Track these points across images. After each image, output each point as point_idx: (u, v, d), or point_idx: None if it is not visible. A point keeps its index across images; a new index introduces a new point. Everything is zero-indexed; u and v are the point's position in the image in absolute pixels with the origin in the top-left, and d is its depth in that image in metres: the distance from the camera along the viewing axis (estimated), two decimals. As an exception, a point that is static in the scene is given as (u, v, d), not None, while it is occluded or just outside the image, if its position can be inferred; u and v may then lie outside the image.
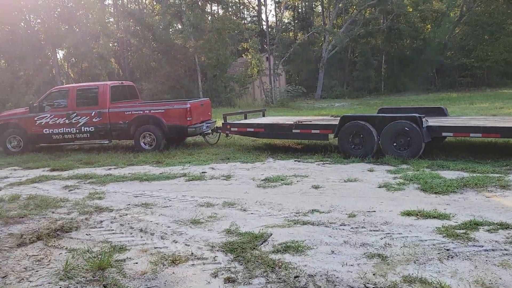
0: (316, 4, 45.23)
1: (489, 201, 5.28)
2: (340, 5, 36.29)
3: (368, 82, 35.64)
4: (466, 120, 8.98)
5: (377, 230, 4.46)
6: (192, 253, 4.06)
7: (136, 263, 3.91)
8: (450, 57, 37.59)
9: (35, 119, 11.37)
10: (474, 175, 6.57)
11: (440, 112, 9.70)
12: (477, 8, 37.08)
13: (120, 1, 36.07)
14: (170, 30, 31.90)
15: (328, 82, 36.07)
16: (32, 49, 24.57)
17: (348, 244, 4.10)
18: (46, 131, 11.36)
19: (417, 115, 7.98)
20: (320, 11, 45.69)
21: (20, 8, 25.36)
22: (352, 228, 4.57)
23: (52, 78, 26.48)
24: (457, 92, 30.28)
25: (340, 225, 4.70)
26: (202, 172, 8.09)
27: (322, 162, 8.48)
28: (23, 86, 19.44)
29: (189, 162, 9.23)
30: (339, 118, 9.54)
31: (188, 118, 10.77)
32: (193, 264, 3.83)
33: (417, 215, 4.85)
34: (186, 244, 4.33)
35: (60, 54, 30.95)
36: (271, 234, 4.49)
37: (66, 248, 4.33)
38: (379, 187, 6.28)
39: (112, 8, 36.32)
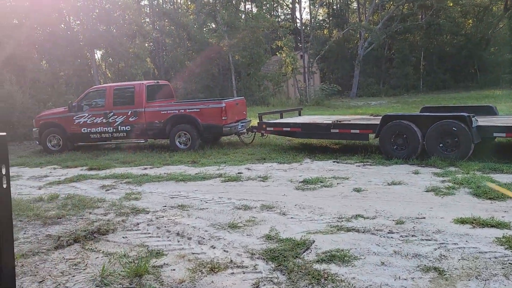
0: (351, 0, 44.37)
1: (552, 209, 4.83)
2: (376, 1, 35.40)
3: (406, 79, 34.63)
4: (520, 119, 8.39)
5: (429, 239, 4.12)
6: (231, 261, 3.87)
7: (174, 270, 3.75)
8: (493, 53, 36.00)
9: (74, 118, 11.53)
10: (532, 179, 6.09)
11: (489, 110, 9.13)
12: (523, 1, 35.33)
13: (155, 2, 36.54)
14: (204, 29, 32.06)
15: (363, 80, 35.31)
16: (71, 50, 25.17)
17: (399, 255, 3.80)
18: (84, 130, 11.50)
19: (466, 114, 7.51)
20: (355, 7, 44.79)
21: (60, 10, 26.03)
22: (401, 236, 4.25)
23: (91, 78, 27.09)
24: (502, 90, 28.90)
25: (388, 232, 4.39)
26: (238, 173, 7.91)
27: (362, 164, 8.13)
28: (63, 86, 19.90)
29: (225, 162, 9.08)
30: (380, 117, 9.17)
31: (223, 118, 10.64)
32: (232, 273, 3.63)
33: (473, 223, 4.47)
34: (224, 250, 4.14)
35: (98, 54, 31.70)
36: (314, 241, 4.24)
37: (103, 251, 4.23)
38: (426, 191, 5.90)
39: (147, 9, 36.85)
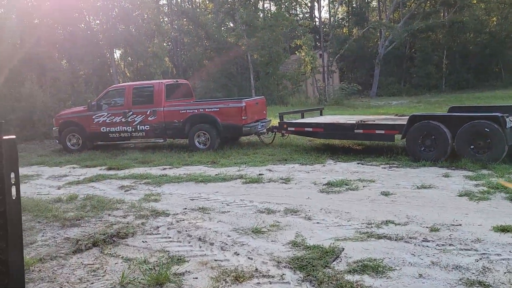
0: (372, -2, 43.75)
1: None
2: (397, -2, 34.78)
3: (427, 78, 33.88)
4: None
5: (469, 249, 3.84)
6: (256, 269, 3.65)
7: (196, 278, 3.55)
8: (519, 52, 34.96)
9: (93, 117, 11.47)
10: None
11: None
12: (551, -3, 34.24)
13: (174, 1, 36.60)
14: (223, 28, 31.94)
15: (384, 79, 34.71)
16: (91, 49, 25.31)
17: (437, 266, 3.52)
18: (103, 129, 11.43)
19: (499, 114, 7.14)
20: (375, 5, 44.11)
21: (80, 10, 26.23)
22: (438, 245, 3.97)
23: (110, 77, 27.22)
24: (528, 89, 28.04)
25: (423, 240, 4.11)
26: (259, 174, 7.70)
27: (388, 165, 7.83)
28: (82, 85, 19.99)
29: (245, 163, 8.88)
30: (406, 117, 8.84)
31: (243, 117, 10.44)
32: (258, 283, 3.41)
33: (514, 231, 4.17)
34: (249, 258, 3.92)
35: (117, 53, 31.87)
36: (343, 249, 3.99)
37: (122, 257, 4.06)
38: (459, 196, 5.59)
39: (166, 8, 36.92)
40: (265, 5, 41.78)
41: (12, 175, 1.27)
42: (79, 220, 5.32)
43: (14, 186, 1.30)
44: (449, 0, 33.72)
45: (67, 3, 23.59)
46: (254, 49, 27.62)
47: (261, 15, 36.49)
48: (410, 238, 4.20)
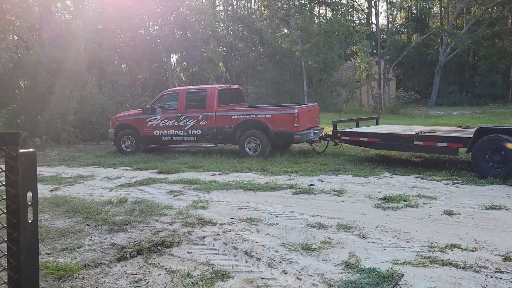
0: (433, 3, 41.97)
1: None
2: (461, 4, 33.09)
3: (492, 88, 31.94)
4: None
5: (551, 286, 3.34)
6: (305, 292, 3.37)
7: (241, 297, 3.33)
8: None
9: (147, 120, 11.65)
10: None
11: None
12: None
13: (230, 7, 37.02)
14: (277, 34, 31.83)
15: (444, 88, 33.12)
16: (149, 54, 26.11)
17: (514, 304, 3.08)
18: (156, 132, 11.58)
19: None
20: (436, 11, 42.32)
21: (141, 16, 27.13)
22: (513, 278, 3.50)
23: (166, 81, 27.89)
24: None
25: (496, 271, 3.65)
26: (310, 185, 7.39)
27: (451, 181, 7.25)
28: (139, 89, 20.58)
29: (296, 172, 8.60)
30: (471, 130, 8.20)
31: (295, 124, 10.16)
32: (307, 308, 3.13)
33: None
34: (298, 278, 3.65)
35: (174, 58, 32.66)
36: (403, 275, 3.62)
37: (166, 268, 3.91)
38: (535, 220, 5.00)
39: (222, 14, 37.44)
40: (321, 11, 41.35)
41: (29, 194, 1.10)
42: (126, 225, 5.28)
43: (32, 207, 1.13)
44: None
45: (129, 9, 24.46)
46: (308, 55, 27.26)
47: (316, 21, 36.11)
48: (480, 267, 3.74)
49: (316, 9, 39.84)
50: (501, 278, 3.51)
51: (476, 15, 33.61)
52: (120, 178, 8.78)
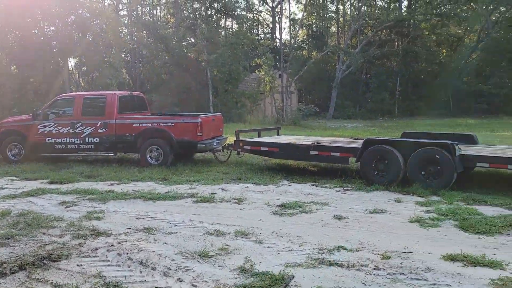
0: (331, 23, 44.96)
1: (544, 247, 4.55)
2: (355, 25, 35.91)
3: (381, 104, 34.97)
4: (501, 150, 8.24)
5: (419, 279, 3.75)
6: (199, 298, 3.39)
7: (132, 308, 3.24)
8: (466, 83, 36.88)
9: (38, 127, 10.83)
10: (518, 213, 5.85)
11: (470, 139, 8.98)
12: (496, 34, 36.51)
13: (134, 12, 36.02)
14: (183, 43, 31.67)
15: (340, 102, 35.51)
16: (44, 56, 24.28)
17: (388, 297, 3.40)
18: (48, 140, 10.80)
19: (449, 142, 7.29)
20: (334, 30, 45.39)
21: (34, 15, 25.18)
22: (389, 274, 3.87)
23: (62, 86, 26.15)
24: (474, 119, 29.50)
25: (374, 269, 4.00)
26: (211, 193, 7.44)
27: (342, 188, 7.79)
28: (31, 93, 19.05)
29: (198, 181, 8.59)
30: (360, 140, 8.91)
31: (198, 133, 10.18)
32: (200, 314, 3.15)
33: (463, 260, 4.14)
34: (193, 285, 3.65)
35: (72, 62, 30.78)
36: (293, 277, 3.80)
37: (51, 282, 3.66)
38: (410, 222, 5.57)
39: (126, 19, 36.26)
40: (227, 23, 42.06)
41: None
42: (8, 239, 4.84)
43: None
44: (403, 30, 35.20)
45: (20, 7, 22.59)
46: (214, 65, 27.51)
47: (222, 33, 36.61)
48: (362, 266, 4.08)
49: (223, 21, 40.43)
50: (378, 275, 3.86)
51: (368, 36, 36.67)
52: (4, 189, 8.02)
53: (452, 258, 4.20)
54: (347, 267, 4.04)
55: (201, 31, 28.13)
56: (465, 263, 4.10)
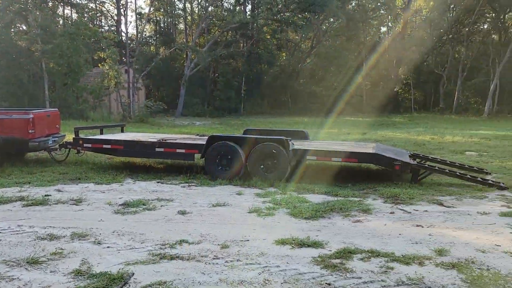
0: (179, 20, 44.92)
1: (355, 226, 5.34)
2: (203, 25, 36.57)
3: (228, 102, 36.34)
4: (327, 144, 9.37)
5: (253, 263, 4.07)
6: (26, 308, 3.12)
7: None
8: (302, 85, 40.70)
9: None
10: (338, 199, 6.74)
11: (302, 135, 9.99)
12: (326, 42, 41.07)
13: None
14: (13, 29, 28.13)
15: (189, 100, 35.79)
16: None
17: (224, 283, 3.61)
18: None
19: (284, 138, 8.01)
20: (182, 28, 45.46)
21: None
22: (226, 262, 4.10)
23: None
24: (309, 117, 32.73)
25: (213, 258, 4.20)
26: (45, 195, 6.83)
27: (187, 184, 7.92)
28: None
29: (29, 183, 7.80)
30: (206, 137, 9.16)
31: (30, 131, 9.22)
32: (27, 325, 2.90)
33: (292, 243, 4.62)
34: (18, 295, 3.34)
35: None
36: (133, 274, 3.76)
37: None
38: (249, 212, 5.98)
39: None
40: (66, 12, 38.73)
41: None
42: None
43: None
44: (247, 32, 37.08)
45: None
46: (51, 57, 25.07)
47: (60, 21, 33.66)
48: (202, 256, 4.24)
49: (60, 9, 37.10)
50: (217, 264, 4.06)
51: (215, 36, 37.68)
52: None
53: (282, 242, 4.65)
54: (187, 259, 4.15)
55: (35, 18, 25.32)
56: (293, 245, 4.58)
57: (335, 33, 41.80)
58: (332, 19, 39.77)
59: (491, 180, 7.88)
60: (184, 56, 39.29)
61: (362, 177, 8.53)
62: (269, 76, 40.33)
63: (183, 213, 5.91)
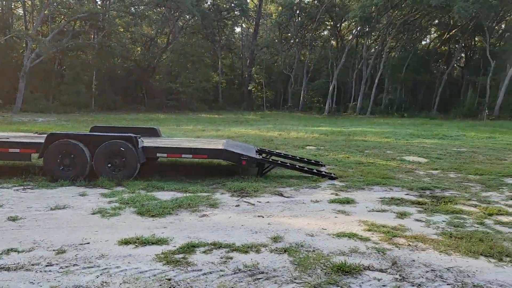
0: (16, 5, 40.09)
1: (202, 221, 5.48)
2: (45, 12, 33.26)
3: (78, 97, 33.82)
4: (178, 141, 9.39)
5: (92, 267, 3.89)
6: None
7: None
8: (158, 81, 40.00)
9: None
10: (187, 195, 6.82)
11: (153, 132, 9.84)
12: (182, 38, 40.99)
13: None
14: None
15: (30, 94, 32.29)
16: None
17: (55, 291, 3.38)
18: None
19: (132, 135, 7.78)
20: (21, 13, 40.68)
21: None
22: (61, 268, 3.84)
23: None
24: (165, 114, 32.35)
25: (46, 265, 3.89)
26: None
27: (22, 187, 7.17)
28: None
29: None
30: (45, 135, 8.40)
31: None
32: None
33: (136, 242, 4.54)
34: None
35: None
36: None
37: None
38: (92, 214, 5.68)
39: None
40: None
41: None
42: None
43: None
44: (98, 23, 34.96)
45: None
46: None
47: None
48: (33, 265, 3.89)
49: None
50: (50, 271, 3.77)
51: (60, 25, 34.63)
52: None
53: (126, 242, 4.54)
54: (15, 270, 3.77)
55: None
56: (137, 244, 4.50)
57: (191, 30, 42.05)
58: (188, 16, 39.89)
59: (325, 172, 8.83)
60: (24, 45, 35.29)
61: (213, 173, 8.78)
62: (123, 70, 38.69)
63: (14, 219, 5.33)
